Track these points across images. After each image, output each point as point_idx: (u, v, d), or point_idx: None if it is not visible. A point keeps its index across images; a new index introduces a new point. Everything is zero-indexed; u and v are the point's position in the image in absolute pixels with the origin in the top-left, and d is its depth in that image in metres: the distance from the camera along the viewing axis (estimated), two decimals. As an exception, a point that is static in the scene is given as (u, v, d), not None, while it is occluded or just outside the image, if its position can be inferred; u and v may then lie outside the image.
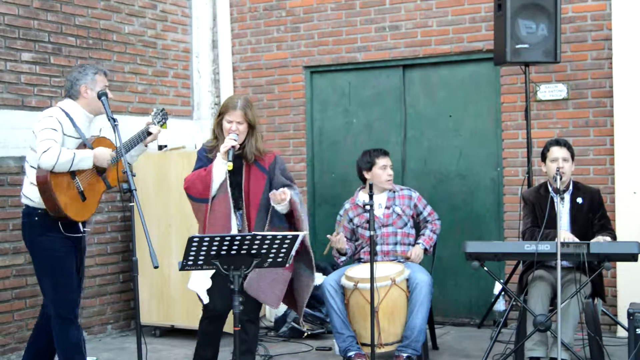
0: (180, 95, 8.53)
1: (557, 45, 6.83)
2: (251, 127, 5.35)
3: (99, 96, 5.26)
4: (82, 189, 5.26)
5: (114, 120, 5.12)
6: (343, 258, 6.47)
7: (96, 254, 7.57)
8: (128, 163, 4.97)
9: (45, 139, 5.12)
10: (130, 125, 6.50)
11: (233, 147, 5.19)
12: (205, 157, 5.38)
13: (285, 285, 5.40)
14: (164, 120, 5.67)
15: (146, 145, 5.58)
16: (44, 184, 5.12)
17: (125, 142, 5.36)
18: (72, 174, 5.23)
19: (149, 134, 5.51)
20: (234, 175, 5.31)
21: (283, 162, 5.57)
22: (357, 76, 8.32)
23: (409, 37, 7.95)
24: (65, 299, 5.34)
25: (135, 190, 4.82)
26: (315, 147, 8.51)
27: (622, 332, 6.71)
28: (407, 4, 7.94)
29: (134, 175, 4.94)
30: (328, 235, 6.34)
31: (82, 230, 5.41)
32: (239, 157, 5.32)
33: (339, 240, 6.33)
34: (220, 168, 5.22)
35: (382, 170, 6.47)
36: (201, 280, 5.34)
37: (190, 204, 5.38)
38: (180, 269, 4.60)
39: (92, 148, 5.31)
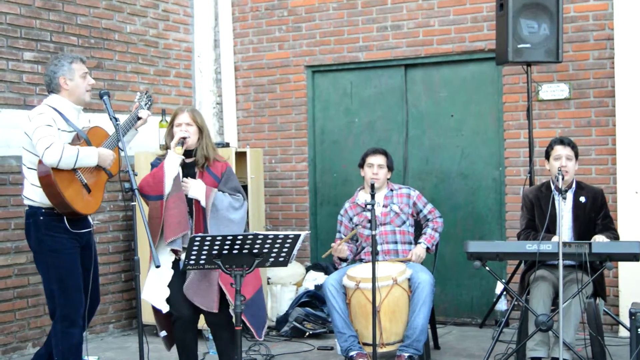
0: (182, 95, 8.53)
1: (559, 44, 6.82)
2: (200, 132, 5.47)
3: (101, 96, 5.26)
4: (85, 181, 5.20)
5: (116, 119, 5.16)
6: (344, 264, 6.46)
7: (98, 253, 7.50)
8: (130, 164, 4.97)
9: (44, 136, 5.04)
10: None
11: (183, 138, 5.35)
12: (158, 163, 5.47)
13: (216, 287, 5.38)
14: (149, 103, 5.70)
15: (137, 129, 5.60)
16: (48, 181, 5.06)
17: (114, 132, 5.34)
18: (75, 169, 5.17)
19: (139, 118, 5.54)
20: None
21: (233, 173, 5.62)
22: (359, 76, 8.32)
23: (410, 36, 7.95)
24: (72, 300, 5.26)
25: (137, 189, 4.84)
26: (317, 146, 8.51)
27: (623, 332, 6.71)
28: (409, 4, 7.94)
29: (136, 175, 4.96)
30: (333, 244, 6.35)
31: (91, 224, 5.41)
32: (191, 165, 5.45)
33: (341, 250, 6.33)
34: (173, 161, 5.32)
35: (368, 168, 6.47)
36: (158, 290, 5.34)
37: (148, 205, 5.39)
38: (182, 269, 4.62)
39: (87, 139, 5.26)
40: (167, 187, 5.29)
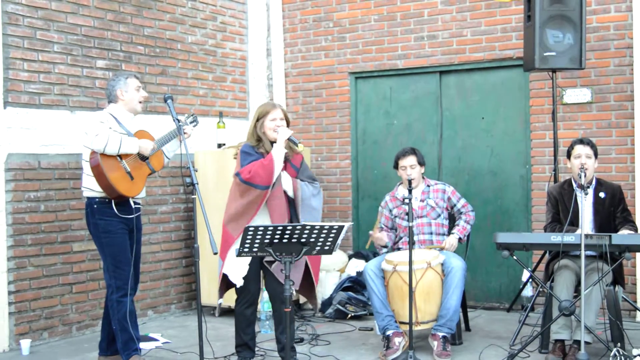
0: (238, 99, 8.56)
1: (582, 52, 6.74)
2: (287, 126, 5.53)
3: (165, 99, 5.40)
4: (128, 169, 5.49)
5: (179, 121, 5.35)
6: (384, 250, 6.46)
7: (162, 241, 7.64)
8: (191, 161, 5.07)
9: (95, 127, 5.42)
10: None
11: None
12: (255, 152, 5.46)
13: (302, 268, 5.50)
14: (195, 122, 5.86)
15: (181, 141, 5.70)
16: (97, 166, 5.40)
17: (163, 136, 5.68)
18: (119, 157, 5.46)
19: (186, 132, 5.69)
20: None
21: (306, 163, 5.71)
22: (398, 81, 8.29)
23: (445, 45, 7.91)
24: (122, 273, 5.55)
25: (197, 184, 4.90)
26: (359, 145, 8.50)
27: (641, 317, 6.62)
28: (444, 15, 7.90)
29: (196, 171, 5.02)
30: (370, 232, 6.34)
31: (133, 208, 5.60)
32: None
33: (380, 237, 6.33)
34: (281, 156, 5.36)
35: (402, 171, 6.44)
36: (238, 266, 5.42)
37: (247, 190, 5.38)
38: (237, 255, 4.64)
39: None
40: (274, 178, 5.38)
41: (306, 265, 5.51)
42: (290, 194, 5.46)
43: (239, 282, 5.46)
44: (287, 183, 5.46)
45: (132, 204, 5.61)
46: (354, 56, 8.42)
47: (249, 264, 5.42)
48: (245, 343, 5.63)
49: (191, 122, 5.82)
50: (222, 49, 8.38)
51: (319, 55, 8.63)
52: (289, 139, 5.41)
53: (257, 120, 5.52)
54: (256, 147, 5.48)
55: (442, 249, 6.30)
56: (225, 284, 5.58)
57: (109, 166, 5.41)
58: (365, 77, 8.45)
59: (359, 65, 8.40)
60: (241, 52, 8.62)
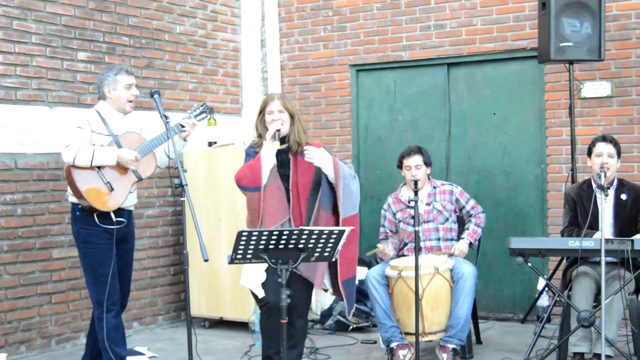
0: (230, 93, 8.55)
1: (601, 43, 6.72)
2: (292, 117, 5.32)
3: (151, 94, 5.32)
4: (107, 179, 5.40)
5: (166, 117, 5.27)
6: (387, 261, 6.43)
7: (148, 247, 7.63)
8: (180, 160, 5.03)
9: (68, 136, 5.38)
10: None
11: (278, 130, 5.19)
12: (253, 153, 5.36)
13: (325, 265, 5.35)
14: (202, 115, 5.74)
15: (185, 140, 5.65)
16: (68, 175, 5.37)
17: (151, 140, 5.55)
18: (97, 166, 5.40)
19: (182, 127, 5.60)
20: (282, 168, 5.28)
21: (330, 151, 5.48)
22: (402, 74, 8.27)
23: (453, 35, 7.89)
24: (102, 287, 5.48)
25: (186, 185, 4.84)
26: (360, 143, 8.49)
27: (665, 328, 6.59)
28: (452, 3, 7.88)
29: (185, 171, 4.96)
30: (379, 245, 6.32)
31: (114, 221, 5.48)
32: (285, 151, 5.30)
33: (387, 254, 6.28)
34: (269, 153, 5.17)
35: (407, 171, 6.42)
36: (255, 275, 5.32)
37: (245, 196, 5.35)
38: (229, 263, 4.60)
39: (118, 143, 5.49)
40: (264, 178, 5.20)
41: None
42: (330, 172, 5.18)
43: (260, 293, 5.35)
44: (324, 160, 5.14)
45: (112, 216, 5.48)
46: (355, 47, 8.40)
47: (266, 270, 5.32)
48: (268, 356, 5.55)
49: (197, 116, 5.71)
50: (213, 39, 8.36)
51: (317, 46, 8.61)
52: (273, 135, 5.20)
53: (260, 113, 5.42)
54: (256, 145, 5.41)
55: (451, 255, 6.28)
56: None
57: (82, 177, 5.35)
58: (367, 69, 8.44)
59: (360, 57, 8.38)
60: (233, 43, 8.61)
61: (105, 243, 5.49)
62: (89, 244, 5.49)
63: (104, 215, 5.45)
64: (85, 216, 5.46)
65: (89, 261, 5.52)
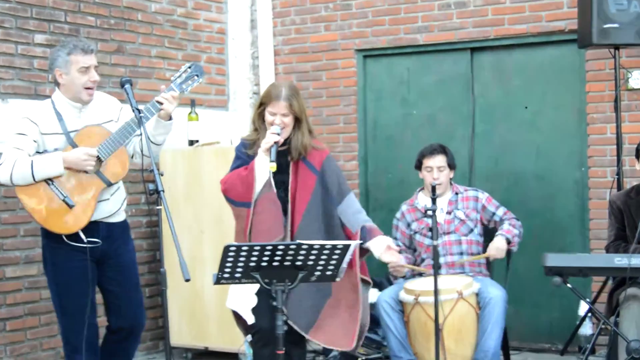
0: (215, 83, 8.55)
1: (652, 24, 6.74)
2: (298, 120, 5.27)
3: (122, 84, 5.19)
4: (64, 195, 5.13)
5: (139, 111, 5.10)
6: (400, 279, 6.41)
7: (118, 264, 7.60)
8: (155, 162, 4.90)
9: (4, 147, 5.12)
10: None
11: (276, 142, 5.11)
12: (244, 154, 5.32)
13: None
14: (194, 77, 5.39)
15: (170, 118, 5.37)
16: (18, 198, 5.15)
17: (117, 131, 5.23)
18: (48, 179, 5.14)
19: (159, 104, 5.29)
20: (280, 174, 5.24)
21: (333, 164, 5.44)
22: (418, 61, 8.29)
23: (478, 15, 7.89)
24: (70, 322, 5.32)
25: (163, 191, 4.79)
26: (368, 142, 8.49)
27: None
28: (477, -23, 7.90)
29: (162, 175, 4.89)
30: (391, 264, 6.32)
31: (84, 239, 5.20)
32: (284, 154, 5.27)
33: (399, 271, 6.26)
34: (263, 166, 5.15)
35: (427, 173, 6.42)
36: (244, 298, 5.30)
37: (231, 208, 5.34)
38: (215, 283, 4.59)
39: (73, 144, 5.21)
40: (256, 194, 5.19)
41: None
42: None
43: (250, 318, 5.33)
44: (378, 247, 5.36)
45: (82, 235, 5.21)
46: (361, 29, 8.40)
47: (257, 293, 5.29)
48: None
49: (183, 83, 5.34)
50: (195, 19, 8.36)
51: (317, 27, 8.61)
52: (269, 149, 5.11)
53: (260, 105, 5.33)
54: (250, 144, 5.35)
55: (486, 257, 6.27)
56: (237, 316, 5.43)
57: (31, 195, 5.11)
58: (376, 55, 8.45)
59: (368, 40, 8.39)
60: (219, 24, 8.61)
61: (74, 267, 5.24)
62: (54, 267, 5.28)
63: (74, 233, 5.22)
64: (50, 231, 5.23)
65: (55, 288, 5.33)
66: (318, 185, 5.30)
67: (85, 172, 5.19)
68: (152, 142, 5.34)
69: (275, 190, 5.22)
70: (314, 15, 8.63)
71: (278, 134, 5.14)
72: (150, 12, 7.93)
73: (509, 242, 6.26)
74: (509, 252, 6.36)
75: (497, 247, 6.22)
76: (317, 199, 5.28)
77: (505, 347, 6.53)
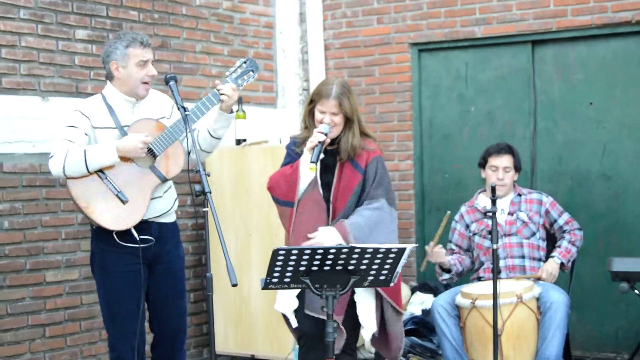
0: (262, 79, 8.57)
1: None
2: (348, 120, 5.25)
3: (166, 81, 5.20)
4: (118, 189, 5.14)
5: (185, 109, 5.07)
6: (446, 276, 6.41)
7: (162, 268, 7.66)
8: (201, 162, 4.88)
9: (57, 141, 5.12)
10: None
11: (321, 142, 5.10)
12: (293, 152, 5.34)
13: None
14: (250, 72, 5.38)
15: (231, 111, 5.32)
16: (69, 191, 5.13)
17: (175, 123, 5.22)
18: (101, 171, 5.13)
19: (221, 95, 5.25)
20: (326, 174, 5.26)
21: (380, 166, 5.34)
22: (476, 55, 8.28)
23: (539, 6, 7.86)
24: (117, 328, 5.31)
25: (210, 192, 4.80)
26: (424, 141, 8.49)
27: None
28: (538, -34, 7.87)
29: (208, 175, 4.88)
30: (426, 247, 6.28)
31: (137, 238, 5.19)
32: (332, 154, 5.28)
33: (436, 253, 6.23)
34: (307, 166, 5.14)
35: (491, 172, 6.41)
36: (287, 300, 5.33)
37: (276, 207, 5.37)
38: (263, 288, 4.61)
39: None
40: (300, 193, 5.20)
41: (379, 295, 5.37)
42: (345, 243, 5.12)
43: (293, 321, 5.36)
44: (331, 239, 5.10)
45: (134, 233, 5.18)
46: (416, 22, 8.40)
47: (298, 296, 5.32)
48: None
49: (239, 77, 5.35)
50: (241, 13, 8.40)
51: (369, 20, 8.62)
52: (312, 148, 5.10)
53: (311, 102, 5.31)
54: (300, 142, 5.36)
55: (538, 279, 6.23)
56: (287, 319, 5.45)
57: (83, 190, 5.10)
58: (431, 49, 8.45)
59: (423, 33, 8.38)
60: (266, 17, 8.63)
61: (125, 271, 5.23)
62: (103, 271, 5.27)
63: (126, 231, 5.19)
64: (101, 232, 5.20)
65: (103, 294, 5.32)
66: (359, 186, 5.27)
67: (137, 165, 5.19)
68: (212, 136, 5.38)
69: (320, 190, 5.23)
70: (365, 8, 8.64)
71: (325, 134, 5.13)
72: (195, 6, 7.98)
73: (562, 265, 6.29)
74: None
75: (550, 272, 6.28)
76: (355, 199, 5.26)
77: (567, 355, 6.50)
